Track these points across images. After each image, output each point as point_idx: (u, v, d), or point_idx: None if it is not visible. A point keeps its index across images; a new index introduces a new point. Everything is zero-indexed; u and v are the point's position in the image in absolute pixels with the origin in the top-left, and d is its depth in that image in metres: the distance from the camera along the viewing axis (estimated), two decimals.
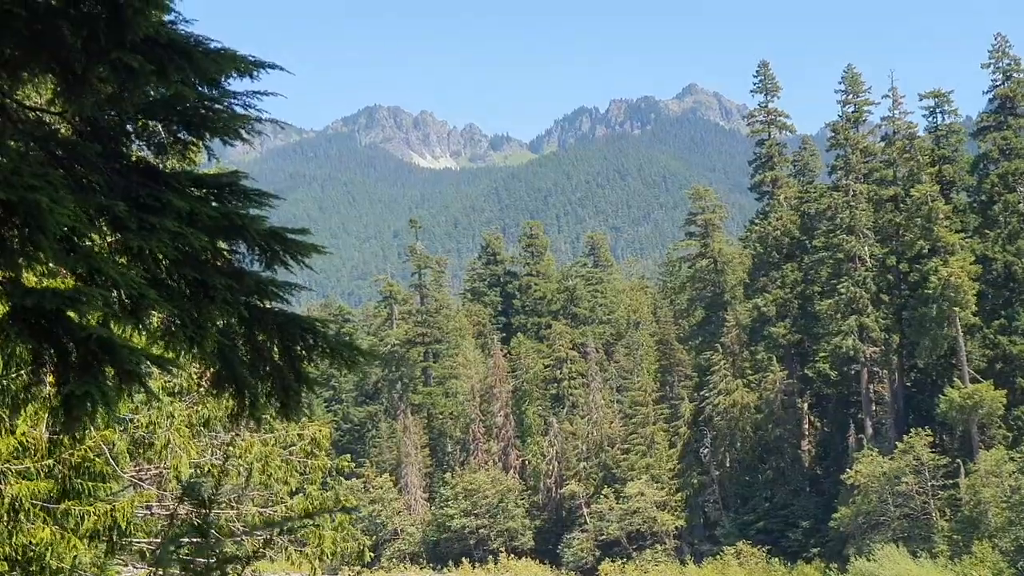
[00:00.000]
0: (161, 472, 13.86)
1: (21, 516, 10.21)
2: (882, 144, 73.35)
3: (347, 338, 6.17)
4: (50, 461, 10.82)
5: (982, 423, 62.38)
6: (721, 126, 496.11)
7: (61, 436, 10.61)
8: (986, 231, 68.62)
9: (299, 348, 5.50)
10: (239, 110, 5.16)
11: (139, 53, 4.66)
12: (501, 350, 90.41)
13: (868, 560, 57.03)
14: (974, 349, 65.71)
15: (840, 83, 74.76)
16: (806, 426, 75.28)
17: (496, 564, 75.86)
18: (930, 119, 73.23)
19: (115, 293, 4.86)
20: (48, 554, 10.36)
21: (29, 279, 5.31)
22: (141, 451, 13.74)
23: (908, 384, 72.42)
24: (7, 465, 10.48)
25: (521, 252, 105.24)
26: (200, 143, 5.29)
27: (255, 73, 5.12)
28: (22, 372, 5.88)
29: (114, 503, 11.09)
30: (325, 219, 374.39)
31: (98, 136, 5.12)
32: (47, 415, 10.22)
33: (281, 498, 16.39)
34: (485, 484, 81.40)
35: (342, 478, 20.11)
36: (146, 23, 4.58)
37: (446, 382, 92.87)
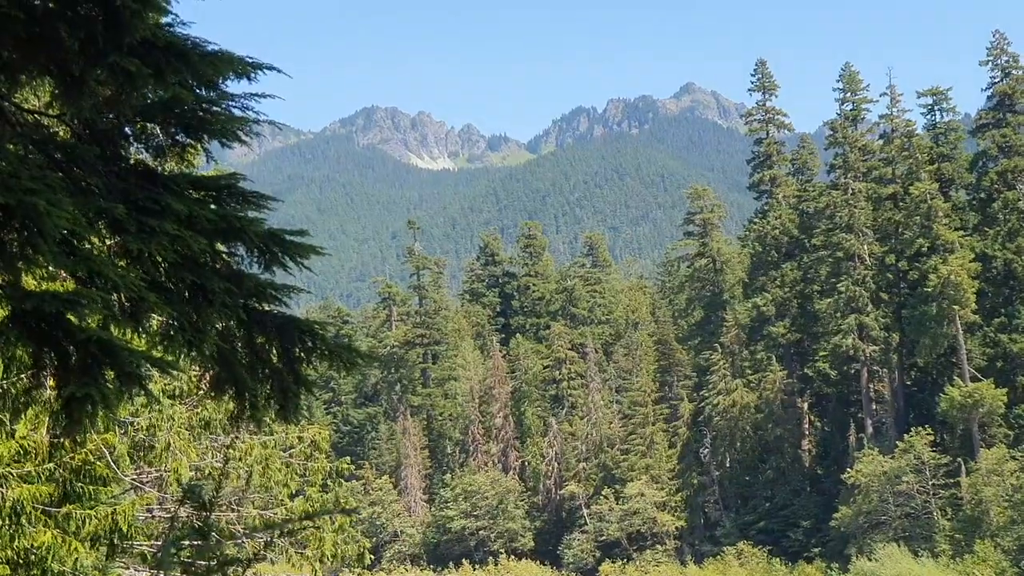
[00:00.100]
0: (162, 475, 13.86)
1: (22, 519, 10.20)
2: (881, 142, 73.40)
3: (346, 340, 6.15)
4: (51, 465, 10.81)
5: (983, 422, 62.38)
6: (719, 125, 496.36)
7: (62, 439, 10.61)
8: (985, 229, 68.64)
9: (298, 350, 5.50)
10: (237, 112, 5.16)
11: (136, 56, 4.66)
12: (500, 351, 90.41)
13: (869, 560, 57.02)
14: (974, 347, 65.71)
15: (838, 81, 74.87)
16: (806, 426, 75.29)
17: (496, 565, 75.83)
18: (928, 117, 73.34)
19: (115, 296, 4.86)
20: (49, 557, 10.36)
21: (28, 282, 5.31)
22: (142, 454, 13.74)
23: (908, 383, 72.44)
24: (8, 469, 10.47)
25: (519, 253, 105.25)
26: (198, 145, 5.29)
27: (252, 75, 5.12)
28: (22, 375, 5.88)
29: (115, 506, 11.09)
30: (323, 221, 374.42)
31: (96, 139, 5.13)
32: (48, 418, 10.21)
33: (281, 500, 16.39)
34: (485, 485, 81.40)
35: (342, 480, 20.05)
36: (143, 26, 4.58)
37: (445, 383, 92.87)
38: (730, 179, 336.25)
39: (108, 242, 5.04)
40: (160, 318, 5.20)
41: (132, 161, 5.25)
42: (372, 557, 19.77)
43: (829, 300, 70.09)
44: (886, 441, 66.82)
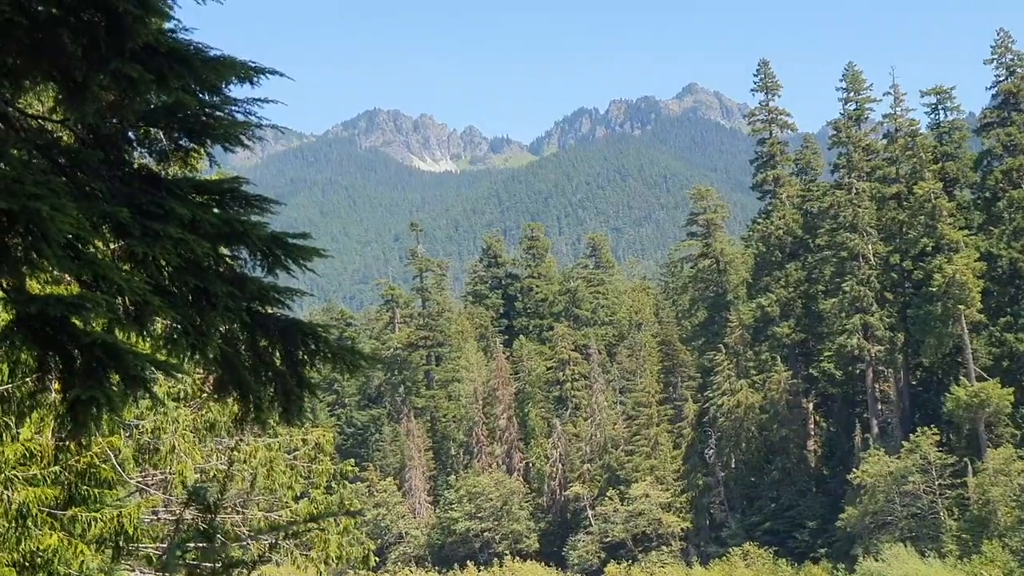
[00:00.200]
0: (167, 477, 13.89)
1: (28, 522, 10.24)
2: (884, 141, 73.31)
3: (349, 342, 6.17)
4: (56, 468, 10.85)
5: (989, 421, 62.21)
6: (722, 125, 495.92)
7: (67, 442, 10.64)
8: (990, 228, 68.50)
9: (301, 353, 5.52)
10: (240, 117, 5.19)
11: (139, 61, 4.69)
12: (503, 353, 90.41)
13: (876, 560, 56.90)
14: (980, 347, 65.56)
15: (841, 81, 74.78)
16: (811, 426, 75.18)
17: (501, 567, 75.78)
18: (932, 116, 73.25)
19: (120, 300, 4.88)
20: (56, 560, 10.39)
21: (33, 286, 5.33)
22: (147, 456, 13.78)
23: (914, 383, 72.29)
24: (14, 472, 10.51)
25: (522, 254, 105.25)
26: (201, 150, 5.32)
27: (255, 79, 5.15)
28: (27, 379, 5.90)
29: (121, 508, 11.12)
30: (326, 223, 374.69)
31: (100, 143, 5.15)
32: (53, 421, 10.25)
33: (286, 503, 16.42)
34: (489, 487, 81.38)
35: (346, 482, 20.04)
36: (145, 31, 4.61)
37: (449, 385, 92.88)
38: (733, 179, 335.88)
39: (112, 246, 5.07)
40: (164, 321, 5.23)
41: (135, 165, 5.27)
42: (377, 559, 19.75)
43: (833, 300, 69.98)
44: (892, 441, 66.68)
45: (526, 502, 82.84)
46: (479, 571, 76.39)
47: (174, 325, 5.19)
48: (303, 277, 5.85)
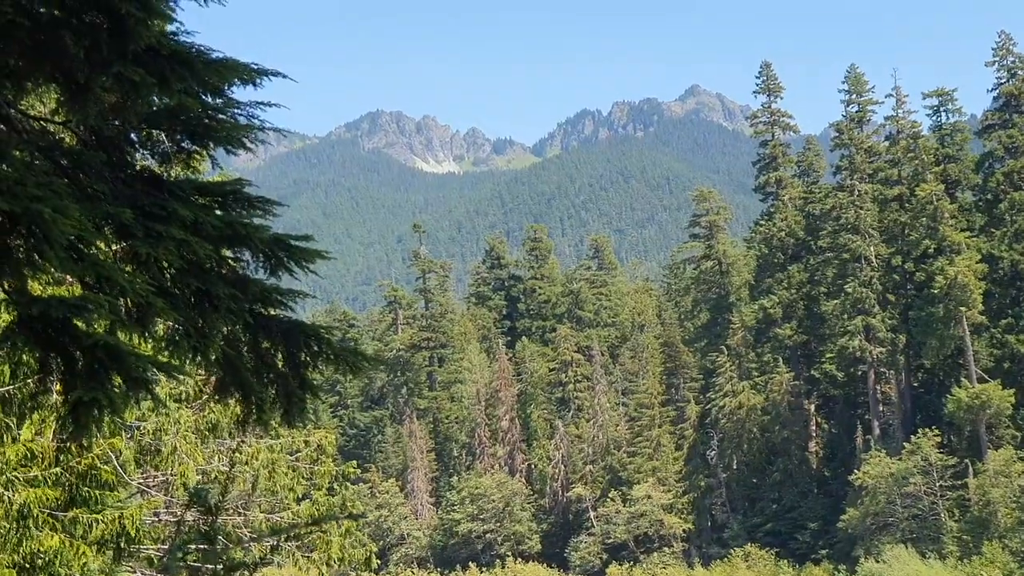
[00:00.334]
0: (168, 479, 13.89)
1: (29, 523, 10.24)
2: (886, 143, 73.27)
3: (351, 344, 6.17)
4: (57, 469, 10.85)
5: (990, 423, 62.18)
6: (724, 127, 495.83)
7: (68, 444, 10.65)
8: (992, 230, 68.47)
9: (303, 355, 5.52)
10: (242, 120, 5.19)
11: (141, 63, 4.69)
12: (506, 354, 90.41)
13: (877, 561, 56.86)
14: (981, 348, 65.51)
15: (843, 83, 74.75)
16: (813, 427, 75.13)
17: (503, 568, 75.75)
18: (934, 118, 73.19)
19: (122, 301, 4.88)
20: (57, 562, 10.39)
21: (34, 287, 5.34)
22: (148, 458, 13.77)
23: (915, 384, 72.25)
24: (14, 473, 10.51)
25: (525, 256, 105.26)
26: (204, 152, 5.32)
27: (258, 81, 5.15)
28: (29, 380, 5.90)
29: (123, 510, 11.12)
30: (329, 225, 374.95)
31: (102, 145, 5.15)
32: (54, 422, 10.25)
33: (288, 504, 16.41)
34: (491, 488, 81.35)
35: (348, 483, 20.04)
36: (148, 33, 4.61)
37: (451, 386, 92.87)
38: (736, 181, 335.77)
39: (114, 247, 5.07)
40: (166, 323, 5.23)
41: (138, 167, 5.27)
42: (378, 561, 19.76)
43: (836, 302, 69.95)
44: (893, 443, 66.64)
45: (528, 503, 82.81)
46: (481, 572, 76.35)
47: (176, 327, 5.19)
48: (306, 278, 5.85)
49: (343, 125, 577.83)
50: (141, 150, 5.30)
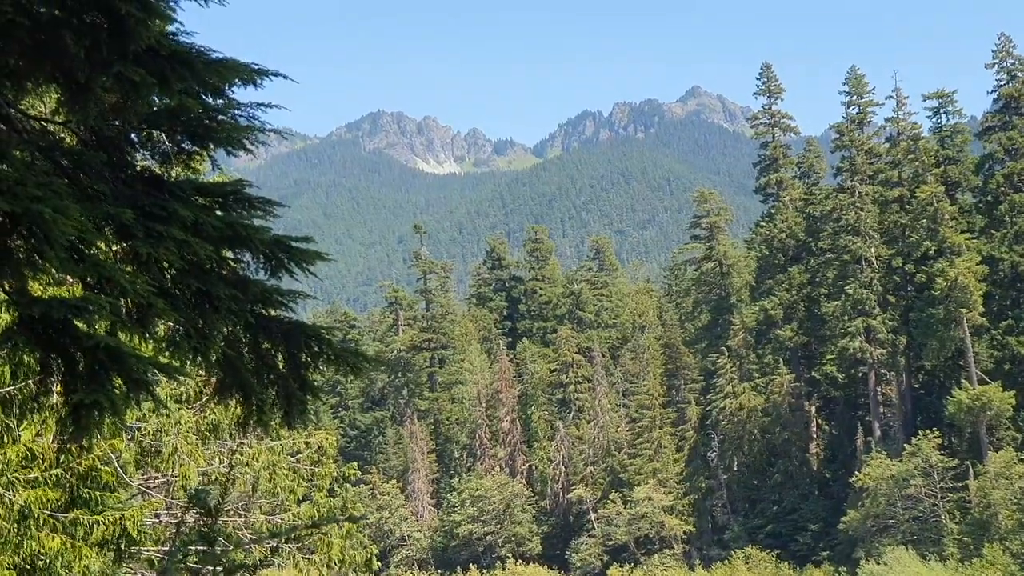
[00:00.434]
0: (169, 480, 13.87)
1: (30, 524, 10.22)
2: (887, 145, 73.27)
3: (352, 344, 6.15)
4: (58, 470, 10.83)
5: (991, 425, 62.15)
6: (725, 128, 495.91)
7: (69, 445, 10.63)
8: (992, 231, 68.46)
9: (304, 355, 5.51)
10: (243, 121, 5.17)
11: (141, 64, 4.68)
12: (507, 355, 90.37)
13: (878, 563, 56.81)
14: (982, 350, 65.50)
15: (844, 84, 74.75)
16: (814, 429, 75.10)
17: (504, 570, 75.70)
18: (934, 120, 73.19)
19: (123, 301, 4.87)
20: (57, 563, 10.37)
21: (34, 288, 5.32)
22: (149, 459, 13.75)
23: (916, 386, 72.22)
24: (15, 474, 10.49)
25: (526, 257, 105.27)
26: (204, 153, 5.31)
27: (258, 82, 5.14)
28: (29, 381, 5.89)
29: (124, 511, 11.10)
30: (330, 225, 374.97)
31: (103, 145, 5.14)
32: (55, 423, 10.23)
33: (288, 506, 16.39)
34: (492, 490, 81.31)
35: (349, 485, 20.04)
36: (148, 34, 4.60)
37: (452, 387, 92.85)
38: (736, 183, 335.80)
39: (115, 248, 5.05)
40: (166, 324, 5.21)
41: (138, 168, 5.26)
42: (379, 562, 19.73)
43: (836, 303, 69.94)
44: (894, 444, 66.61)
45: (529, 505, 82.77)
46: (482, 574, 76.29)
47: (177, 328, 5.18)
48: (306, 279, 5.83)
49: (344, 125, 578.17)
50: (141, 150, 5.29)
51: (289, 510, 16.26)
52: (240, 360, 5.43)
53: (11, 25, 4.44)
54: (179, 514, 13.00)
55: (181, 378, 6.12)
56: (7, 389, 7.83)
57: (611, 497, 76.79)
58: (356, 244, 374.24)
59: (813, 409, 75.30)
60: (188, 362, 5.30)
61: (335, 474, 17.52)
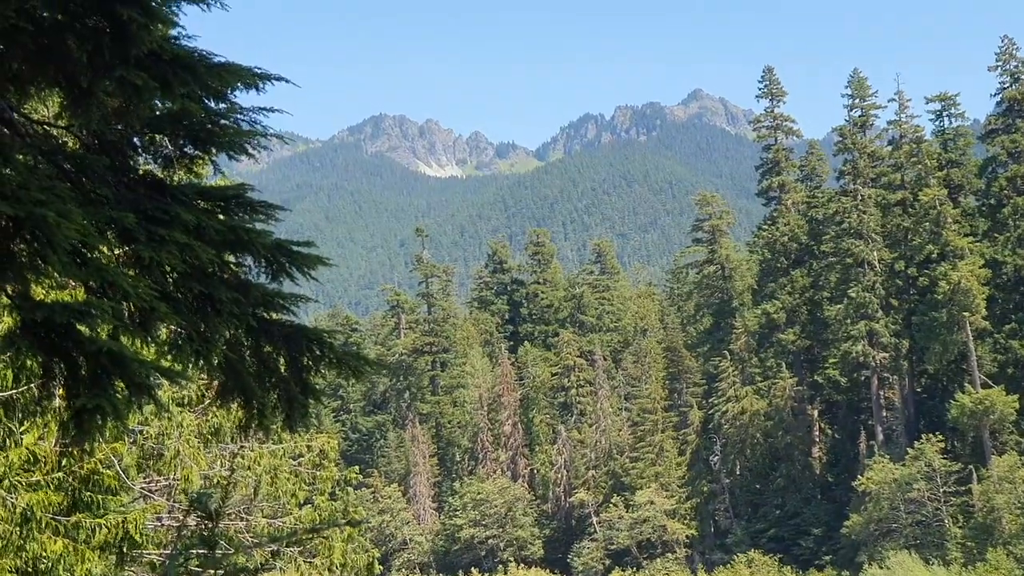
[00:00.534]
0: (171, 483, 13.88)
1: (32, 527, 10.23)
2: (889, 148, 73.26)
3: (354, 348, 6.17)
4: (60, 473, 10.84)
5: (994, 428, 62.04)
6: (727, 131, 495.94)
7: (71, 448, 10.64)
8: (995, 235, 68.40)
9: (306, 359, 5.51)
10: (245, 126, 5.18)
11: (144, 68, 4.69)
12: (508, 358, 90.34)
13: (881, 568, 56.72)
14: (985, 354, 65.40)
15: (846, 87, 74.77)
16: (816, 433, 74.99)
17: (506, 574, 75.64)
18: (937, 122, 73.19)
19: (125, 305, 4.87)
20: (60, 566, 10.38)
21: (36, 291, 5.33)
22: (151, 462, 13.76)
23: (918, 390, 72.13)
24: (18, 477, 10.50)
25: (528, 260, 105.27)
26: (206, 157, 5.32)
27: (261, 86, 5.14)
28: (32, 385, 5.90)
29: (126, 515, 11.10)
30: (332, 228, 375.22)
31: (105, 149, 5.15)
32: (57, 427, 10.24)
33: (290, 509, 16.38)
34: (493, 493, 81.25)
35: (350, 488, 20.05)
36: (150, 38, 4.61)
37: (454, 391, 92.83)
38: (738, 186, 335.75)
39: (117, 251, 5.06)
40: (169, 328, 5.22)
41: (141, 172, 5.27)
42: (381, 566, 19.73)
43: (839, 307, 69.87)
44: (896, 448, 66.50)
45: (531, 509, 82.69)
46: None
47: (179, 331, 5.18)
48: (308, 283, 5.84)
49: (346, 129, 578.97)
50: (144, 154, 5.30)
51: (290, 514, 16.26)
52: (242, 364, 5.43)
53: (14, 30, 4.45)
54: (181, 517, 13.00)
55: (183, 382, 6.13)
56: (9, 393, 7.84)
57: (613, 501, 76.70)
58: (358, 248, 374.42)
59: (816, 413, 75.21)
60: (190, 366, 5.31)
61: (336, 478, 17.53)
